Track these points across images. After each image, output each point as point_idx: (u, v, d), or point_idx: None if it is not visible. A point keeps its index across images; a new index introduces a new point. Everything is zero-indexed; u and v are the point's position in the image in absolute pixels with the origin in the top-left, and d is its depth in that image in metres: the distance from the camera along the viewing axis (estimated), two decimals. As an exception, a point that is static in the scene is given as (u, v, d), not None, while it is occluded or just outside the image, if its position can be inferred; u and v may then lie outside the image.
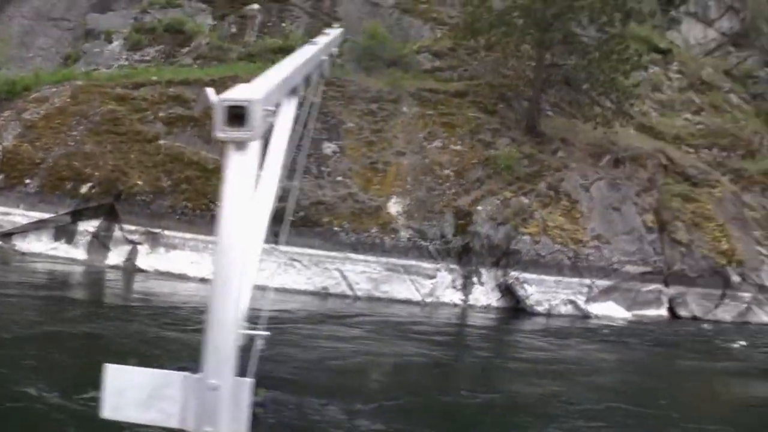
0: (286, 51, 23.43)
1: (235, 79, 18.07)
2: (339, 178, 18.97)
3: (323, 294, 16.94)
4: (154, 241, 18.42)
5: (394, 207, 19.24)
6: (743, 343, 17.46)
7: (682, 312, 21.95)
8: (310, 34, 24.82)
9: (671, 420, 8.67)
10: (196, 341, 3.16)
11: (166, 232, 18.49)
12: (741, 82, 34.84)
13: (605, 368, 12.37)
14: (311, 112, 6.28)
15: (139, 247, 18.38)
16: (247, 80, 3.76)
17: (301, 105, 5.44)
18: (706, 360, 14.59)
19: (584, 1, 21.88)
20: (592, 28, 22.85)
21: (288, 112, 4.74)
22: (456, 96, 22.93)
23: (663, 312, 21.52)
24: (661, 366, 13.27)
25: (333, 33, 9.20)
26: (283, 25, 25.64)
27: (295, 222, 17.21)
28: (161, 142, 19.98)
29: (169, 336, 11.61)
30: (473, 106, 22.80)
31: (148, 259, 18.32)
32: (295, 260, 17.18)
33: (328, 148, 19.39)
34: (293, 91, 4.99)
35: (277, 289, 15.75)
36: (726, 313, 22.44)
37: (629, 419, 8.43)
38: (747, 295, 23.01)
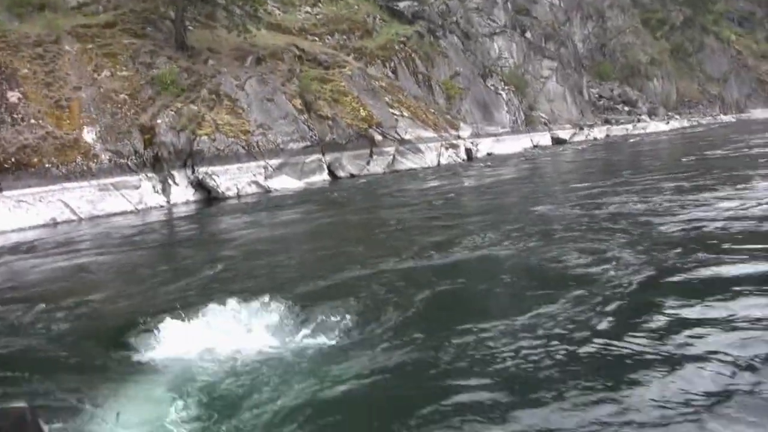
0: None
1: None
2: (33, 121, 19.79)
3: (53, 224, 18.09)
4: None
5: (88, 136, 20.56)
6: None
7: (341, 173, 26.21)
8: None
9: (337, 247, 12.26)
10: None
11: None
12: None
13: (289, 222, 15.71)
14: None
15: None
16: None
17: None
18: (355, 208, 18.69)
19: None
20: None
21: None
22: (107, 27, 24.15)
23: (326, 177, 25.56)
24: (326, 217, 16.98)
25: None
26: None
27: (10, 168, 18.76)
28: None
29: None
30: (125, 34, 24.23)
31: None
32: (21, 201, 18.17)
33: (13, 96, 20.02)
34: None
35: (14, 230, 17.08)
36: (377, 167, 27.19)
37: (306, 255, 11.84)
38: (390, 149, 27.98)
